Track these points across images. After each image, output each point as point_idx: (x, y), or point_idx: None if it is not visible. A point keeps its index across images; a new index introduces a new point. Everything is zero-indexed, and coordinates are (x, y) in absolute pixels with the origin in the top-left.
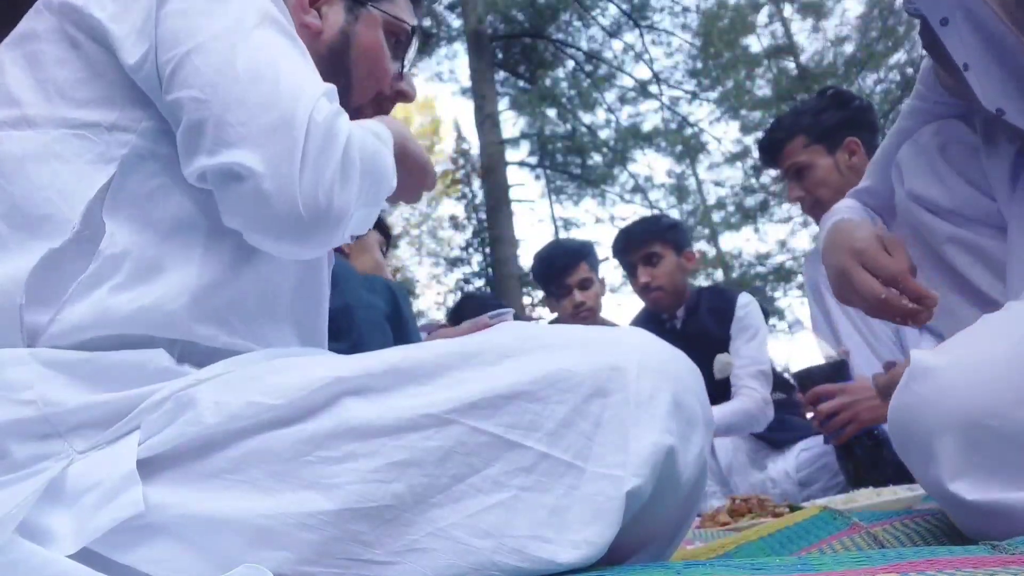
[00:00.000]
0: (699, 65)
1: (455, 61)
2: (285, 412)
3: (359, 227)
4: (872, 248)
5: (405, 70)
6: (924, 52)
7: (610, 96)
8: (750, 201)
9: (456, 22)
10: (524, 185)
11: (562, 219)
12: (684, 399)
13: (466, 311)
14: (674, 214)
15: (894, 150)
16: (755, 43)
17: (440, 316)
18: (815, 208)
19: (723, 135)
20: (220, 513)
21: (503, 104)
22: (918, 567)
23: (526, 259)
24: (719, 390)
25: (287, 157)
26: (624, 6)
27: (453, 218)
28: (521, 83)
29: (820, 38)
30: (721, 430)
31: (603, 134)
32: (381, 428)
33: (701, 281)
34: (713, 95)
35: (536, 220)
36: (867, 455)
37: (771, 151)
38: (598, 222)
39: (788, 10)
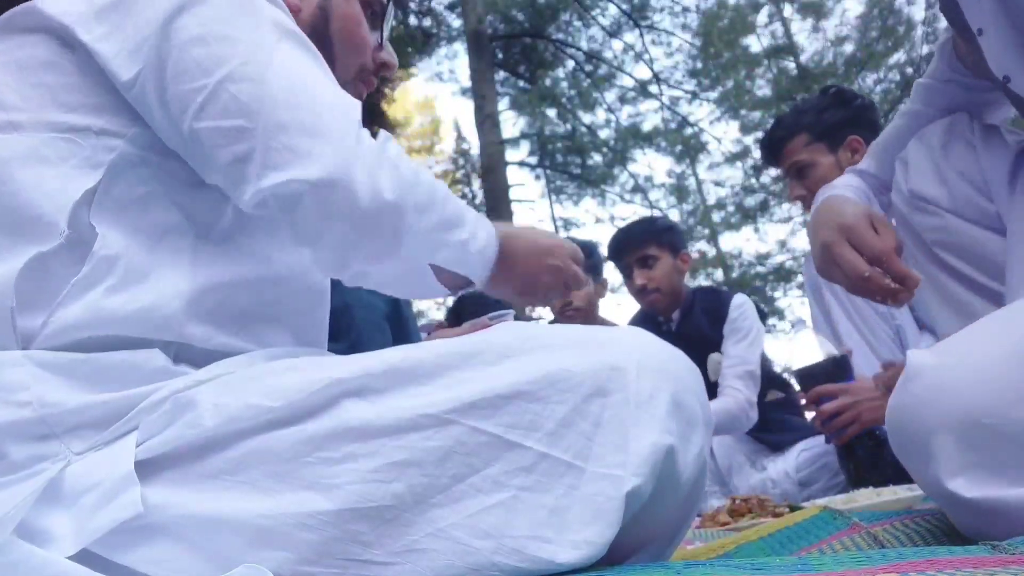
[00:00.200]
0: (699, 65)
1: (455, 61)
2: (284, 413)
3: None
4: (860, 225)
5: (384, 39)
6: (924, 52)
7: (610, 96)
8: (750, 201)
9: (456, 22)
10: (524, 185)
11: (562, 219)
12: (684, 399)
13: (466, 311)
14: (674, 214)
15: (902, 133)
16: (755, 43)
17: (440, 316)
18: None
19: (723, 135)
20: (220, 513)
21: (503, 104)
22: (918, 567)
23: None
24: (714, 391)
25: (341, 159)
26: (624, 6)
27: None
28: (521, 83)
29: (820, 38)
30: None
31: (603, 134)
32: (381, 428)
33: (702, 281)
34: (713, 95)
35: (536, 220)
36: (868, 455)
37: (772, 149)
38: (598, 222)
39: (788, 10)
